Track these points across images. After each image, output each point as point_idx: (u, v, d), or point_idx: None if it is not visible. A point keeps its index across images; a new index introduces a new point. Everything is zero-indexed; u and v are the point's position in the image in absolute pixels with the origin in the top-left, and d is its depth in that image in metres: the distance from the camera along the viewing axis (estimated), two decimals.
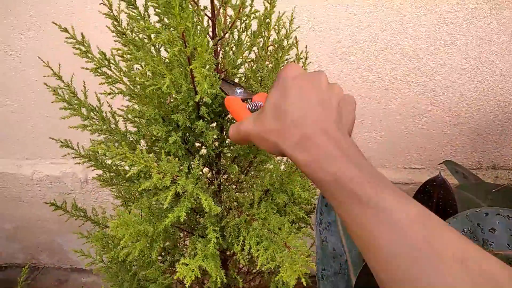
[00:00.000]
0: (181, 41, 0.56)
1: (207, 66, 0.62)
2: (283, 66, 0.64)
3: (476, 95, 1.56)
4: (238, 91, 0.63)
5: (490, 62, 1.47)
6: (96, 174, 0.85)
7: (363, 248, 0.38)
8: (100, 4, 0.67)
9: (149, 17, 0.66)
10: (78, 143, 0.79)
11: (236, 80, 0.76)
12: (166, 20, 0.60)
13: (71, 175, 1.75)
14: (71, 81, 0.69)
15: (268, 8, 0.70)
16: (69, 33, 0.60)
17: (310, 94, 0.45)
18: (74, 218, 0.97)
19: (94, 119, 0.69)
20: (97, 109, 0.70)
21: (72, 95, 0.68)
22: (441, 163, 1.56)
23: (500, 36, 1.42)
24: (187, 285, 0.60)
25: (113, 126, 0.69)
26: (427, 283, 0.33)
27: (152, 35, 0.60)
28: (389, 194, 0.37)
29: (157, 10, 0.57)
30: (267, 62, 0.76)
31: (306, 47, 0.78)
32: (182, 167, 0.62)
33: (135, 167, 0.53)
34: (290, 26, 0.76)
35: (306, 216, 0.79)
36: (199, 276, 0.61)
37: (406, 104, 1.59)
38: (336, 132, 0.42)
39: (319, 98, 0.45)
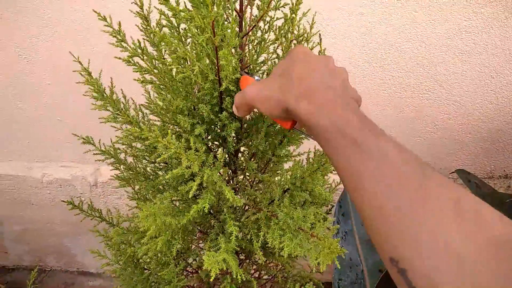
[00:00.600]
0: (210, 30, 0.57)
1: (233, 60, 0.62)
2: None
3: (489, 104, 1.55)
4: (256, 77, 0.64)
5: (504, 71, 1.47)
6: (111, 176, 0.85)
7: (356, 189, 0.38)
8: (132, 3, 0.68)
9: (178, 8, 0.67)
10: (100, 139, 0.79)
11: (258, 75, 0.77)
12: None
13: (81, 178, 1.75)
14: (99, 77, 0.69)
15: (294, 3, 0.70)
16: (106, 21, 0.60)
17: (317, 65, 0.48)
18: (90, 218, 0.96)
19: (122, 112, 0.69)
20: (123, 104, 0.71)
21: (99, 89, 0.68)
22: (453, 172, 1.55)
23: None
24: (212, 278, 0.59)
25: (140, 119, 0.69)
26: (417, 215, 0.34)
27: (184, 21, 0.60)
28: (387, 141, 0.38)
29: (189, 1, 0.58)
30: None
31: (324, 50, 0.78)
32: (207, 158, 0.62)
33: (167, 152, 0.53)
34: (310, 30, 0.77)
35: (325, 215, 0.79)
36: (224, 268, 0.60)
37: (419, 112, 1.59)
38: (341, 91, 0.45)
39: (326, 70, 0.47)
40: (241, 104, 0.55)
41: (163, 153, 0.51)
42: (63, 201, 0.97)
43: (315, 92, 0.44)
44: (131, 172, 0.84)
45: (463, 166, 1.71)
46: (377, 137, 0.39)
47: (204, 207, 0.62)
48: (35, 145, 1.77)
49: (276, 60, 0.76)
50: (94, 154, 0.79)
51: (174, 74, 0.64)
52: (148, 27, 0.72)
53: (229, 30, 0.57)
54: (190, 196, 0.58)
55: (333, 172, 0.76)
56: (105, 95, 0.68)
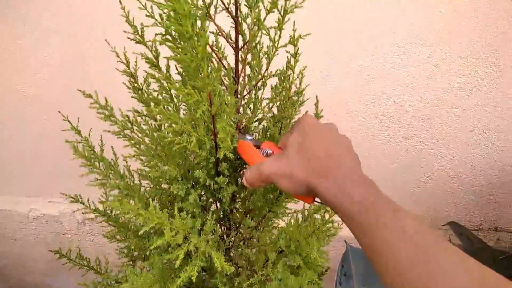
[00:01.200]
0: (207, 102, 0.56)
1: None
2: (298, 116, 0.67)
3: (481, 158, 1.56)
4: (249, 137, 0.65)
5: (496, 127, 1.49)
6: (100, 225, 0.83)
7: (377, 263, 0.43)
8: (118, 61, 0.68)
9: (170, 76, 0.67)
10: (88, 198, 0.77)
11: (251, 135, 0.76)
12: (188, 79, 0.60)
13: (69, 215, 1.72)
14: (89, 135, 0.68)
15: (292, 62, 0.71)
16: (92, 98, 0.59)
17: (327, 136, 0.52)
18: (78, 267, 0.93)
19: (111, 174, 0.67)
20: (113, 163, 0.69)
21: (89, 149, 0.67)
22: (445, 224, 1.55)
23: (506, 102, 1.45)
24: None
25: (130, 183, 0.68)
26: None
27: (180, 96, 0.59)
28: (403, 217, 0.42)
29: (183, 72, 0.58)
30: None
31: (317, 98, 0.77)
32: (195, 224, 0.61)
33: (148, 224, 0.52)
34: (300, 84, 0.77)
35: (319, 281, 0.77)
36: None
37: (413, 162, 1.60)
38: (354, 165, 0.49)
39: (335, 141, 0.52)
40: (257, 180, 0.55)
41: (143, 227, 0.49)
42: (51, 250, 0.94)
43: (333, 170, 0.47)
44: (121, 229, 0.81)
45: (454, 217, 1.71)
46: (394, 214, 0.42)
47: (192, 276, 0.60)
48: (24, 179, 1.74)
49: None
50: (83, 213, 0.77)
51: (166, 142, 0.63)
52: (135, 84, 0.72)
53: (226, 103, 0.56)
54: (176, 266, 0.56)
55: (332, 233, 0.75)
56: (92, 158, 0.66)
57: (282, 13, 0.61)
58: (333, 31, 1.38)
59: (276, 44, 0.66)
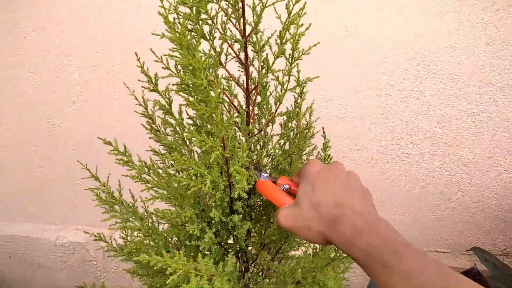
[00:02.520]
0: (221, 146, 0.59)
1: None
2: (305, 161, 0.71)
3: (502, 182, 1.54)
4: (264, 175, 0.67)
5: None
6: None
7: None
8: (136, 104, 0.72)
9: (182, 120, 0.70)
10: (111, 236, 0.81)
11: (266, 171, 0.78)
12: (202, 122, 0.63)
13: (95, 242, 1.76)
14: (107, 181, 0.72)
15: (299, 101, 0.73)
16: (112, 145, 0.63)
17: (334, 182, 0.54)
18: None
19: (132, 218, 0.71)
20: (131, 206, 0.73)
21: (109, 194, 0.70)
22: (469, 250, 1.52)
23: None
24: None
25: (148, 223, 0.71)
26: None
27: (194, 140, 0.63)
28: (412, 258, 0.44)
29: (198, 120, 0.61)
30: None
31: (323, 130, 0.79)
32: (217, 266, 0.63)
33: (176, 273, 0.54)
34: (310, 117, 0.79)
35: None
36: None
37: (433, 189, 1.59)
38: (362, 208, 0.51)
39: (342, 184, 0.54)
40: (287, 225, 0.57)
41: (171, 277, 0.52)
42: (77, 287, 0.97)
43: (342, 221, 0.50)
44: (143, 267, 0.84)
45: (477, 242, 1.68)
46: (400, 258, 0.44)
47: None
48: (52, 207, 1.81)
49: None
50: (105, 251, 0.80)
51: (181, 184, 0.66)
52: (153, 125, 0.75)
53: (239, 150, 0.59)
54: None
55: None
56: (112, 203, 0.70)
57: (290, 60, 0.64)
58: (354, 63, 1.41)
59: (285, 87, 0.69)
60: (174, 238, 0.72)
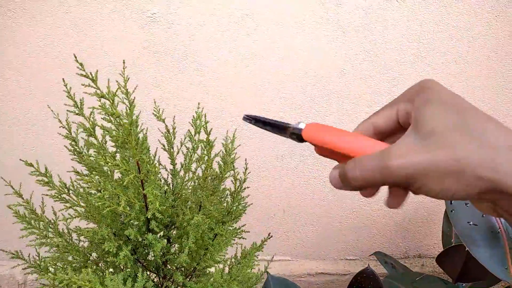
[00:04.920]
0: (136, 170, 0.66)
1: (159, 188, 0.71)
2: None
3: None
4: (293, 125, 0.41)
5: None
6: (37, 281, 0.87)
7: None
8: (60, 127, 0.77)
9: (106, 142, 0.76)
10: (29, 253, 0.83)
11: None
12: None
13: (8, 277, 1.69)
14: (30, 198, 0.75)
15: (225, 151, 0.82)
16: (33, 167, 0.67)
17: (471, 106, 0.34)
18: None
19: (50, 234, 0.74)
20: (52, 223, 0.76)
21: (31, 211, 0.74)
22: (372, 254, 1.69)
23: None
24: None
25: (69, 241, 0.75)
26: None
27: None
28: None
29: (115, 143, 0.68)
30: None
31: (246, 160, 0.88)
32: (126, 282, 0.68)
33: None
34: (231, 144, 0.87)
35: None
36: None
37: (338, 200, 1.74)
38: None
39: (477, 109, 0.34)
40: (376, 179, 0.34)
41: None
42: None
43: None
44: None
45: (381, 247, 1.86)
46: None
47: None
48: None
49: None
50: (23, 269, 0.82)
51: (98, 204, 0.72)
52: (76, 147, 0.80)
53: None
54: None
55: None
56: (32, 220, 0.73)
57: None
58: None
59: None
60: (94, 254, 0.76)
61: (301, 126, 0.40)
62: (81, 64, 0.54)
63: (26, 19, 1.38)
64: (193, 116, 0.82)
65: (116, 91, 0.57)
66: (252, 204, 0.93)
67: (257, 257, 0.94)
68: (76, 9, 1.37)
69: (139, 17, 1.40)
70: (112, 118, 0.61)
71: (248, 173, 0.94)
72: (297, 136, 0.40)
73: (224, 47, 1.46)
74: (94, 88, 0.55)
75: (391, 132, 0.40)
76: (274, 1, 1.41)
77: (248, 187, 0.90)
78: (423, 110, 0.34)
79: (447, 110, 0.33)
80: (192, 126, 0.81)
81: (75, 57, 0.56)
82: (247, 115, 0.45)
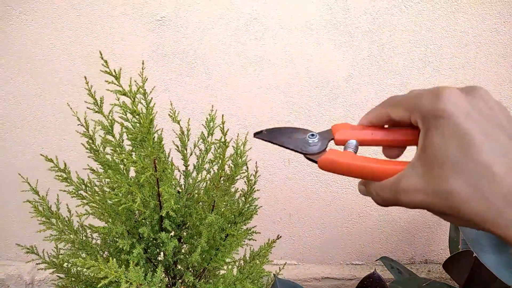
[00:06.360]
0: (152, 168, 0.67)
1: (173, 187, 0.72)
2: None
3: None
4: (311, 140, 0.42)
5: None
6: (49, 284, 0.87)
7: None
8: (78, 125, 0.77)
9: (123, 141, 0.76)
10: (44, 249, 0.83)
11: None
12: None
13: (16, 277, 1.69)
14: (46, 195, 0.76)
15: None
16: (53, 162, 0.68)
17: (497, 133, 0.31)
18: None
19: (67, 231, 0.75)
20: (67, 221, 0.77)
21: (47, 208, 0.74)
22: (378, 259, 1.68)
23: None
24: None
25: (82, 237, 0.75)
26: None
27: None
28: None
29: (133, 141, 0.68)
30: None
31: (256, 163, 0.89)
32: (147, 277, 0.69)
33: (107, 277, 0.59)
34: (243, 147, 0.88)
35: None
36: None
37: (344, 204, 1.74)
38: None
39: (505, 129, 0.32)
40: (386, 203, 0.37)
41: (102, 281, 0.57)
42: None
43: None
44: (73, 279, 0.87)
45: (387, 253, 1.86)
46: None
47: None
48: None
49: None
50: (37, 264, 0.82)
51: (114, 201, 0.72)
52: (93, 145, 0.80)
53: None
54: None
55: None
56: (50, 216, 0.74)
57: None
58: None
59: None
60: (106, 252, 0.77)
61: (314, 149, 0.41)
62: (105, 61, 0.55)
63: (38, 22, 1.39)
64: (207, 118, 0.82)
65: (138, 89, 0.58)
66: (261, 206, 0.93)
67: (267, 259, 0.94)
68: (87, 12, 1.38)
69: (148, 21, 1.41)
70: (131, 116, 0.62)
71: (258, 176, 0.95)
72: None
73: (232, 51, 1.47)
74: (117, 85, 0.55)
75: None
76: (282, 6, 1.42)
77: (258, 190, 0.90)
78: (428, 133, 0.33)
79: (452, 140, 0.31)
80: (205, 127, 0.82)
81: (101, 54, 0.56)
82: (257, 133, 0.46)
